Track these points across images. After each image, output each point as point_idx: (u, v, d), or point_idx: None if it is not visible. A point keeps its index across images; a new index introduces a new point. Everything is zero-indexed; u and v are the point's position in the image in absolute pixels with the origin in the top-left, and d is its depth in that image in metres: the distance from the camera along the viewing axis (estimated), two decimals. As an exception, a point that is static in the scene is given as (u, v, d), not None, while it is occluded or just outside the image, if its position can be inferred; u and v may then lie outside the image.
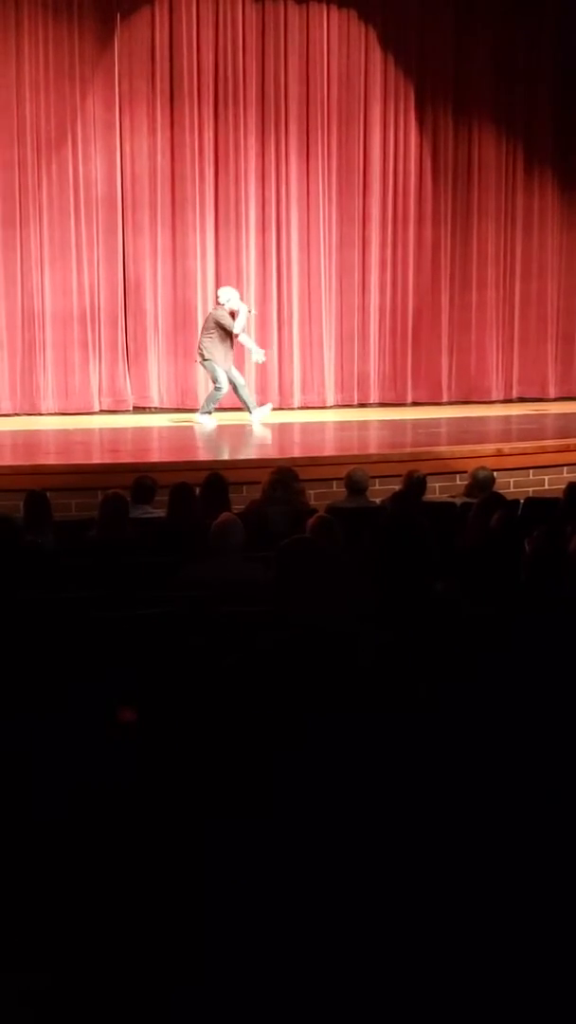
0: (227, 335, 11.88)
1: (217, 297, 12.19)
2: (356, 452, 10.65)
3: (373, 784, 2.94)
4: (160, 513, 7.12)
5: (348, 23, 13.85)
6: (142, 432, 12.02)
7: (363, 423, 12.78)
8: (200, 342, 12.01)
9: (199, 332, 12.20)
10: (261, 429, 11.96)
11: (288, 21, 13.59)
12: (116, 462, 10.20)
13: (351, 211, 14.09)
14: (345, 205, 14.05)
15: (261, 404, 12.48)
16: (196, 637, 4.10)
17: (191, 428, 12.07)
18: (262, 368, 13.82)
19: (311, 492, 8.29)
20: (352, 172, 14.04)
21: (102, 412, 13.22)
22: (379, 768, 2.97)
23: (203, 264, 13.56)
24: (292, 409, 13.81)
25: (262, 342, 13.85)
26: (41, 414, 12.86)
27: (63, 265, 13.13)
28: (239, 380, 12.18)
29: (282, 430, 12.41)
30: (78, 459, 10.54)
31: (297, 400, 13.99)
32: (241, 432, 12.11)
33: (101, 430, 12.03)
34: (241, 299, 12.17)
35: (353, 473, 7.58)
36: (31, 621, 4.82)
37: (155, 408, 13.49)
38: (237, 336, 11.94)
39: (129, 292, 13.45)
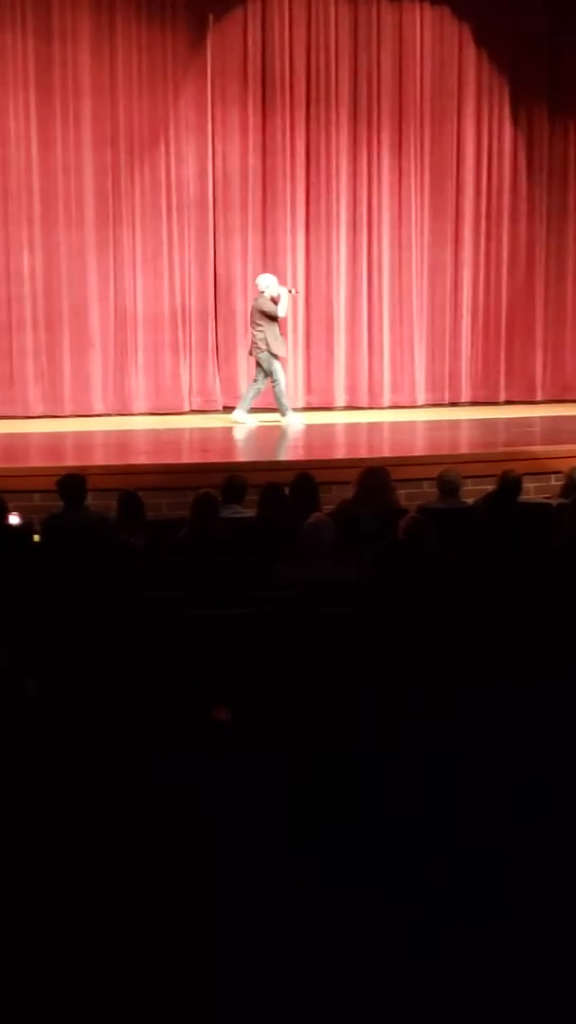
0: (274, 322, 11.83)
1: (256, 286, 12.16)
2: (447, 452, 10.55)
3: (478, 781, 2.89)
4: (250, 513, 7.11)
5: (441, 20, 13.74)
6: (230, 432, 12.05)
7: (454, 422, 12.67)
8: (252, 336, 11.96)
9: (249, 326, 12.12)
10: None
11: (381, 19, 13.52)
12: (206, 462, 10.25)
13: (443, 208, 13.98)
14: (437, 202, 13.95)
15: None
16: (290, 637, 4.08)
17: (280, 428, 12.07)
18: (352, 366, 13.78)
19: (401, 492, 8.22)
20: (445, 169, 13.93)
21: (192, 412, 13.29)
22: (484, 769, 2.92)
23: (293, 263, 13.56)
24: (382, 408, 13.73)
25: (352, 340, 13.82)
26: (132, 414, 12.97)
27: (155, 267, 13.22)
28: (263, 381, 12.14)
29: (372, 429, 12.36)
30: (168, 459, 10.61)
31: (387, 399, 13.92)
32: (331, 431, 12.09)
33: (191, 430, 12.09)
34: (280, 283, 12.11)
35: (446, 473, 7.49)
36: (125, 620, 4.85)
37: (245, 408, 13.51)
38: (276, 321, 11.84)
39: (220, 292, 13.50)
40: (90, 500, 7.38)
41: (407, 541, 4.39)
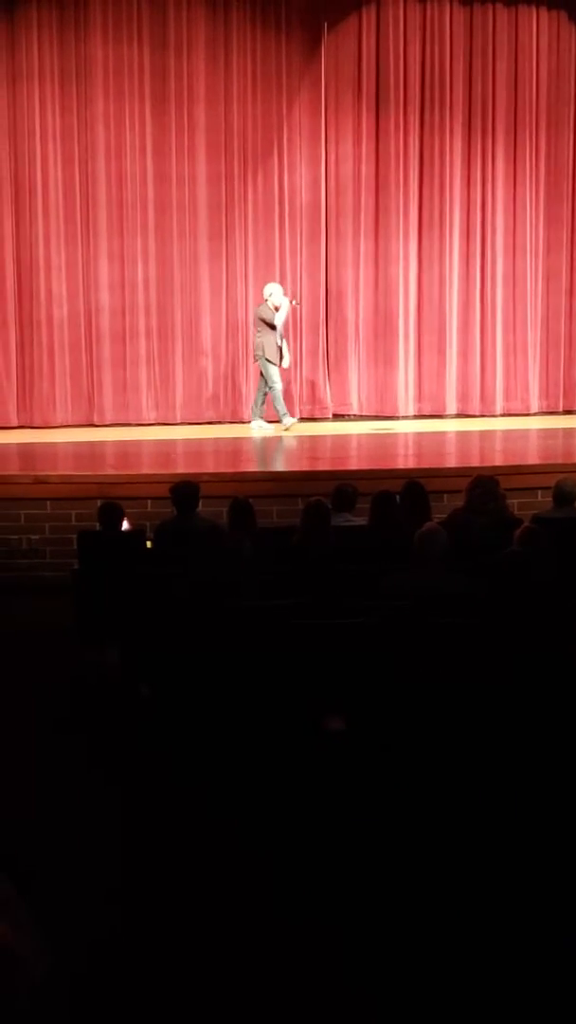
0: (273, 330, 11.92)
1: (261, 293, 12.23)
2: (561, 460, 10.40)
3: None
4: (361, 521, 7.08)
5: (558, 24, 13.56)
6: (341, 439, 12.05)
7: (568, 430, 12.46)
8: (255, 343, 12.05)
9: (251, 333, 12.22)
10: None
11: (496, 24, 13.40)
12: (316, 469, 10.26)
13: (559, 214, 13.78)
14: (553, 208, 13.76)
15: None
16: (404, 648, 4.05)
17: (390, 436, 12.03)
18: (463, 373, 13.66)
19: (513, 501, 8.11)
20: (561, 175, 13.74)
21: (302, 420, 13.30)
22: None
23: (405, 270, 13.51)
24: (495, 416, 13.59)
25: (464, 347, 13.70)
26: (244, 422, 13.06)
27: (266, 275, 13.29)
28: (264, 390, 12.19)
29: (484, 437, 12.24)
30: (279, 466, 10.64)
31: (500, 407, 13.76)
32: (442, 439, 12.00)
33: (301, 437, 12.12)
34: (284, 294, 12.22)
35: (562, 483, 7.35)
36: (236, 628, 4.87)
37: (354, 415, 13.51)
38: (277, 329, 11.90)
39: (331, 300, 13.52)
40: (201, 507, 7.44)
41: (523, 551, 4.31)
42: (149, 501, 8.66)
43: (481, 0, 13.35)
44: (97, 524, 7.39)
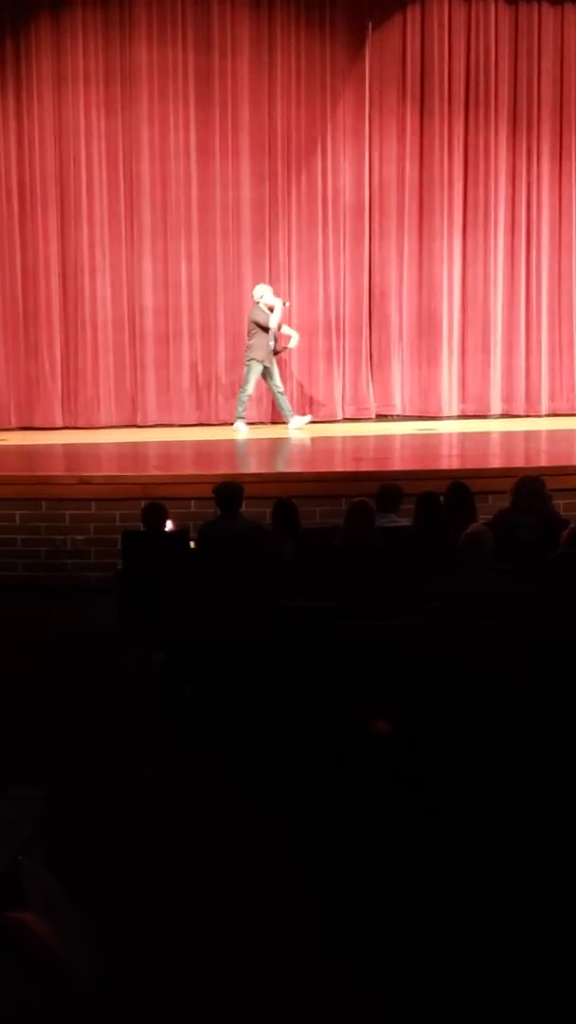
0: (266, 332, 11.90)
1: (253, 296, 12.23)
2: (608, 461, 10.30)
3: None
4: (406, 522, 7.05)
5: (604, 22, 13.44)
6: (385, 440, 12.00)
7: (615, 430, 12.35)
8: (247, 343, 12.05)
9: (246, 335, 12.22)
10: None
11: (542, 23, 13.29)
12: (359, 470, 10.23)
13: (605, 213, 13.65)
14: (600, 206, 13.62)
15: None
16: (452, 650, 4.03)
17: (434, 436, 11.97)
18: (508, 373, 13.57)
19: (559, 502, 8.05)
20: (607, 173, 13.60)
21: (345, 420, 13.29)
22: None
23: (450, 269, 13.44)
24: (540, 416, 13.48)
25: (509, 347, 13.61)
26: (286, 422, 13.03)
27: (310, 274, 13.28)
28: (278, 388, 12.22)
29: (529, 437, 12.15)
30: (322, 467, 10.63)
31: (544, 407, 13.65)
32: (486, 440, 11.93)
33: (344, 438, 12.09)
34: (275, 294, 12.24)
35: (608, 483, 7.28)
36: (279, 628, 4.86)
37: (397, 416, 13.46)
38: (270, 331, 11.91)
39: (374, 299, 13.48)
40: (244, 507, 7.44)
41: (571, 553, 4.27)
42: (192, 501, 8.67)
43: (527, -1, 13.27)
44: (141, 524, 7.40)
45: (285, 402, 12.35)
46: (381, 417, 13.40)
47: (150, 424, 13.03)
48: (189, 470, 10.42)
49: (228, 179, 13.10)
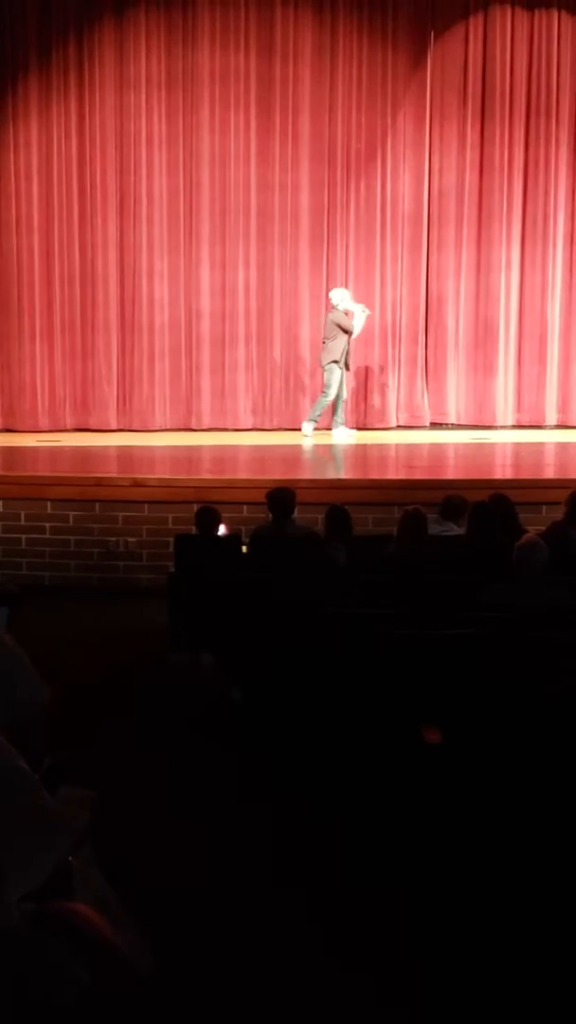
0: (346, 335, 11.83)
1: (329, 299, 12.14)
2: None
3: None
4: (460, 531, 7.01)
5: None
6: (438, 448, 11.96)
7: None
8: (324, 347, 11.98)
9: (323, 339, 12.13)
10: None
11: (605, 32, 13.21)
12: (412, 478, 10.20)
13: None
14: None
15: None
16: (505, 660, 4.00)
17: (488, 445, 11.90)
18: (564, 383, 13.46)
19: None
20: None
21: (399, 428, 13.26)
22: None
23: (507, 279, 13.37)
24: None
25: (566, 357, 13.51)
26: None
27: (367, 282, 13.27)
28: (343, 393, 12.10)
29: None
30: (375, 474, 10.60)
31: (601, 418, 13.53)
32: (541, 450, 11.85)
33: (397, 445, 12.06)
34: (353, 300, 12.16)
35: None
36: (331, 635, 4.85)
37: (452, 424, 13.41)
38: (350, 335, 11.85)
39: (431, 308, 13.44)
40: (297, 513, 7.44)
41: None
42: (245, 506, 8.69)
43: (590, 8, 13.18)
44: (194, 528, 7.43)
45: (341, 411, 12.32)
46: (435, 425, 13.36)
47: (204, 428, 13.08)
48: (242, 474, 10.44)
49: (287, 186, 13.13)
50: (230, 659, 5.91)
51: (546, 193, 13.31)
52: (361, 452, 11.68)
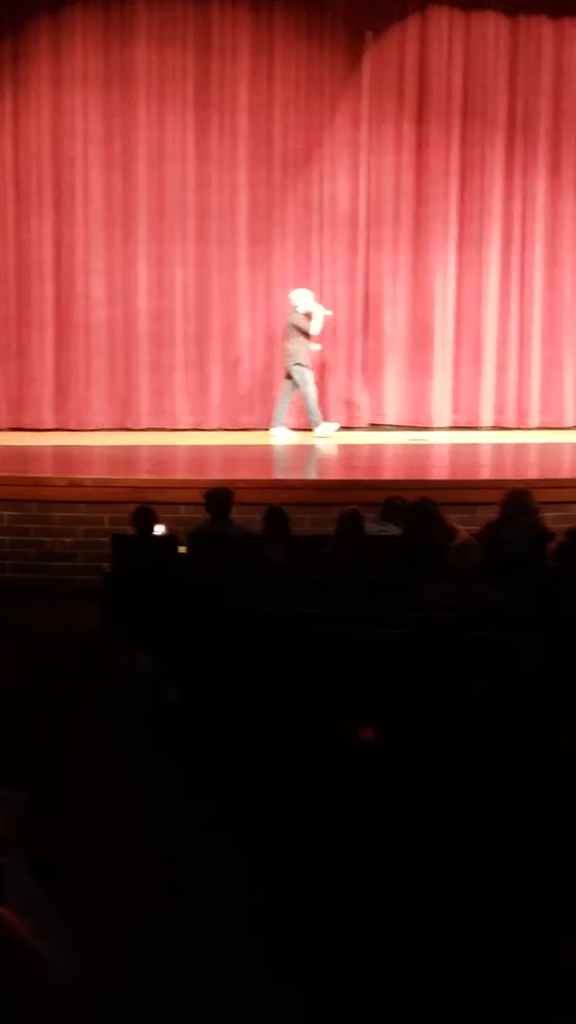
0: (307, 337, 11.93)
1: (289, 301, 12.22)
2: (597, 475, 10.33)
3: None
4: (396, 531, 7.06)
5: (602, 37, 13.48)
6: (376, 449, 12.02)
7: (605, 445, 12.39)
8: (285, 349, 12.06)
9: (284, 340, 12.19)
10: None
11: (541, 36, 13.33)
12: (350, 479, 10.24)
13: (600, 228, 13.69)
14: (593, 222, 13.66)
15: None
16: (440, 660, 4.03)
17: (424, 446, 11.98)
18: (500, 385, 13.60)
19: (548, 515, 8.05)
20: (602, 188, 13.64)
21: (339, 428, 13.29)
22: None
23: (443, 281, 13.46)
24: (529, 429, 13.51)
25: (501, 359, 13.64)
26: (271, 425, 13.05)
27: (304, 282, 13.25)
28: (290, 394, 12.17)
29: (519, 450, 12.18)
30: (313, 475, 10.63)
31: (535, 420, 13.68)
32: (477, 451, 11.96)
33: (337, 446, 12.10)
34: (317, 300, 12.24)
35: (597, 497, 7.31)
36: (268, 635, 4.86)
37: (389, 425, 13.47)
38: (309, 337, 11.92)
39: (369, 309, 13.49)
40: (235, 513, 7.44)
41: (558, 566, 4.29)
42: (183, 507, 8.66)
43: (526, 12, 13.30)
44: (130, 528, 7.40)
45: (287, 408, 12.33)
46: (373, 426, 13.41)
47: (143, 428, 13.02)
48: (180, 475, 10.42)
49: (225, 185, 13.10)
50: (167, 660, 5.89)
51: (481, 196, 13.42)
52: (299, 453, 11.70)
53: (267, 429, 12.62)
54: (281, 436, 12.11)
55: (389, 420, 13.52)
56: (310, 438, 12.13)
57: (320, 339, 12.38)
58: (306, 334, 11.95)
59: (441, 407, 13.50)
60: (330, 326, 13.36)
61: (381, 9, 13.14)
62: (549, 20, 13.35)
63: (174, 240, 13.09)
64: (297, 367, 11.95)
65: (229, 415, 13.22)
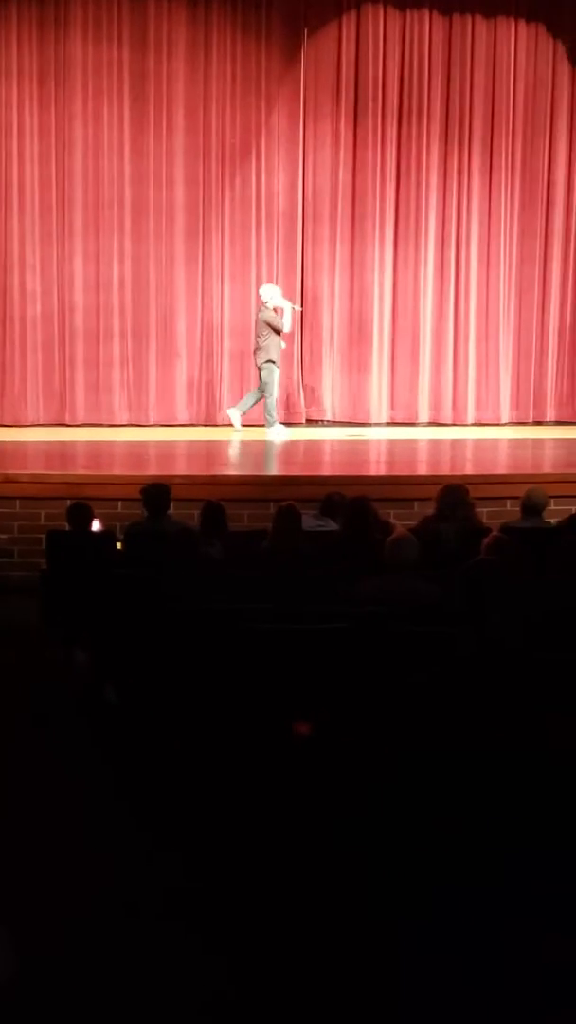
0: (277, 333, 11.91)
1: (259, 296, 12.20)
2: (530, 471, 10.44)
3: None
4: (334, 526, 7.09)
5: (536, 37, 13.61)
6: (314, 445, 12.05)
7: (538, 441, 12.53)
8: (255, 345, 12.02)
9: (254, 336, 12.15)
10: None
11: (475, 35, 13.44)
12: (287, 474, 10.26)
13: (533, 226, 13.84)
14: (527, 220, 13.82)
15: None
16: (375, 654, 4.06)
17: (362, 442, 12.04)
18: (436, 382, 13.70)
19: (483, 510, 8.15)
20: (536, 187, 13.80)
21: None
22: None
23: (381, 277, 13.54)
24: (466, 425, 13.64)
25: (437, 356, 13.75)
26: (217, 425, 13.05)
27: (242, 278, 13.30)
28: (275, 392, 12.19)
29: (455, 446, 12.28)
30: (251, 470, 10.64)
31: (471, 416, 13.81)
32: (413, 447, 12.03)
33: (277, 443, 12.10)
34: (284, 296, 12.25)
35: (532, 492, 7.40)
36: (205, 631, 4.86)
37: (328, 421, 13.52)
38: (280, 333, 11.93)
39: (306, 305, 13.53)
40: (173, 509, 7.42)
41: (492, 560, 4.34)
42: (120, 502, 8.63)
43: (461, 11, 13.41)
44: (67, 524, 7.36)
45: (274, 405, 12.27)
46: (311, 422, 13.45)
47: (79, 423, 12.94)
48: (117, 470, 10.37)
49: (162, 180, 13.07)
50: (104, 657, 5.87)
51: (418, 193, 13.51)
52: (236, 449, 11.70)
53: (206, 425, 12.60)
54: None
55: (327, 416, 13.58)
56: (239, 433, 12.13)
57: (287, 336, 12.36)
58: (277, 331, 11.92)
59: (378, 403, 13.58)
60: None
61: (316, 6, 13.17)
62: (483, 19, 13.46)
63: (111, 234, 13.03)
64: (268, 364, 11.91)
65: (167, 411, 13.18)
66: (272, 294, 12.09)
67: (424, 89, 13.43)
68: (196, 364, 13.30)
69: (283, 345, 12.13)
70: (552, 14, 13.57)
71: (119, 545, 7.17)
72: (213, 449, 11.61)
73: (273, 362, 11.89)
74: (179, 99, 13.01)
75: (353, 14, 13.26)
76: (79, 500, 7.55)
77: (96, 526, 7.35)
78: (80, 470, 10.24)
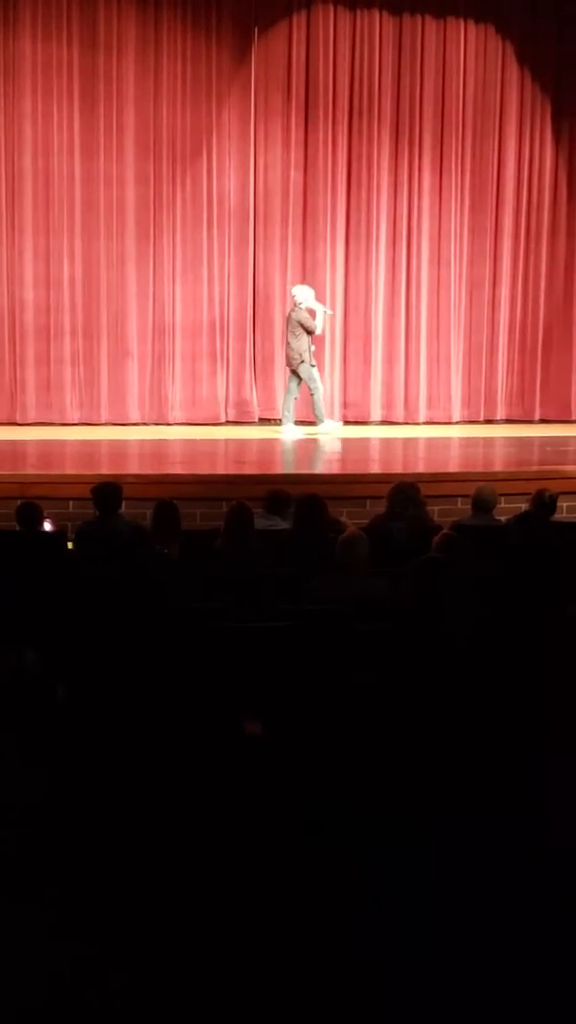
0: (309, 334, 11.92)
1: (293, 297, 12.20)
2: (481, 469, 10.53)
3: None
4: (286, 525, 7.10)
5: (485, 38, 13.72)
6: (268, 443, 12.06)
7: (489, 440, 12.63)
8: (288, 346, 12.02)
9: (286, 338, 12.15)
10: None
11: (425, 35, 13.51)
12: (241, 473, 10.26)
13: (483, 225, 13.94)
14: (477, 219, 13.92)
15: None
16: (327, 652, 4.07)
17: (314, 441, 12.06)
18: (388, 381, 13.76)
19: (434, 508, 8.21)
20: (485, 186, 13.90)
21: (228, 423, 13.31)
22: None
23: (332, 277, 13.57)
24: (418, 424, 13.71)
25: (389, 356, 13.81)
26: (168, 424, 13.02)
27: (194, 277, 13.28)
28: (296, 390, 12.19)
29: (407, 445, 12.34)
30: (204, 469, 10.62)
31: (423, 415, 13.89)
32: (366, 446, 12.08)
33: (227, 441, 12.11)
34: (317, 299, 12.26)
35: (481, 490, 7.47)
36: (157, 629, 4.85)
37: (280, 420, 13.51)
38: (311, 334, 11.95)
39: (258, 304, 13.53)
40: (124, 509, 7.40)
41: (442, 558, 4.38)
42: (71, 502, 8.59)
43: (411, 11, 13.47)
44: (16, 524, 7.31)
45: (293, 406, 12.24)
46: (264, 421, 13.45)
47: (29, 422, 12.86)
48: (68, 470, 10.32)
49: (112, 179, 13.01)
50: (54, 657, 5.83)
51: (368, 193, 13.56)
52: (189, 447, 11.68)
53: (157, 424, 12.56)
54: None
55: (279, 415, 13.57)
56: (191, 432, 12.10)
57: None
58: (309, 331, 11.90)
59: (331, 402, 13.60)
60: (220, 321, 13.37)
61: (267, 5, 13.18)
62: (433, 19, 13.54)
63: (61, 233, 12.96)
64: (303, 366, 11.89)
65: (118, 409, 13.13)
66: (306, 295, 12.06)
67: (375, 89, 13.48)
68: (147, 363, 13.27)
69: (313, 348, 12.10)
70: (501, 15, 13.68)
71: (70, 545, 7.14)
72: (165, 448, 11.58)
73: (305, 361, 11.87)
74: (129, 98, 12.96)
75: (304, 13, 13.28)
76: (29, 500, 7.51)
77: (47, 526, 7.32)
78: (30, 469, 10.18)
